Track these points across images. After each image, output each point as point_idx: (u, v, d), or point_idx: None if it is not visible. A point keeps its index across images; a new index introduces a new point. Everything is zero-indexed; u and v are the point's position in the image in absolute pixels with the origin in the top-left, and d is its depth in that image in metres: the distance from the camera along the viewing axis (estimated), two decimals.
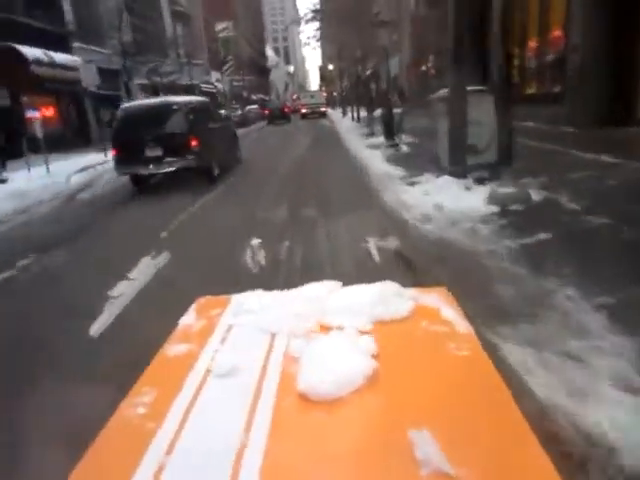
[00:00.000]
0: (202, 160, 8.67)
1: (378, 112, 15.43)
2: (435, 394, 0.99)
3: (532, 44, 12.72)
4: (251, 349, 1.22)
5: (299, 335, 1.23)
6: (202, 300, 1.59)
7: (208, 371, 1.13)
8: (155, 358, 1.26)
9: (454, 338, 1.17)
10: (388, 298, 1.32)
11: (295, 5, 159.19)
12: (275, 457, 0.86)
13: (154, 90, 26.63)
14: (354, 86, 32.98)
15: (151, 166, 8.46)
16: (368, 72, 30.33)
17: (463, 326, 1.23)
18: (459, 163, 6.22)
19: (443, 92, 6.85)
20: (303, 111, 36.33)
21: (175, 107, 8.77)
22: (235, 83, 50.02)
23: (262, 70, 75.87)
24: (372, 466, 0.82)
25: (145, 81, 27.31)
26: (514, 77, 10.96)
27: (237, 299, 1.52)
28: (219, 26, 46.37)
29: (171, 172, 8.59)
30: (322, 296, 1.42)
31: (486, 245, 4.07)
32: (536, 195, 5.27)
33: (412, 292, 1.41)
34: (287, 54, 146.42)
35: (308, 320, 1.30)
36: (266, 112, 36.45)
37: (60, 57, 18.66)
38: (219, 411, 1.01)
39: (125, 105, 9.77)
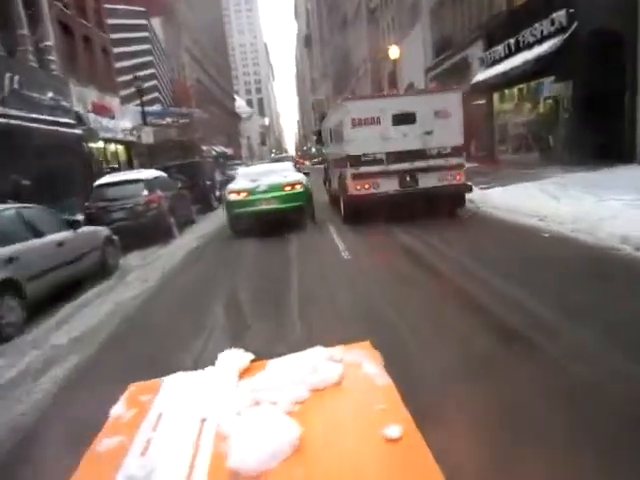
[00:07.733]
0: None
1: None
2: (358, 456, 1.12)
3: None
4: (182, 435, 1.28)
5: (230, 414, 1.30)
6: (133, 387, 1.66)
7: (139, 464, 1.19)
8: (85, 455, 1.31)
9: (375, 392, 1.33)
10: (319, 365, 1.43)
11: (269, 60, 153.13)
12: None
13: None
14: None
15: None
16: None
17: (384, 380, 1.40)
18: None
19: None
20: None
21: None
22: (154, 119, 26.05)
23: (229, 113, 59.38)
24: None
25: None
26: None
27: (167, 382, 1.60)
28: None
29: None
30: (235, 371, 1.52)
31: None
32: None
33: (339, 351, 1.55)
34: (262, 107, 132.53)
35: (239, 399, 1.37)
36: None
37: None
38: None
39: None
